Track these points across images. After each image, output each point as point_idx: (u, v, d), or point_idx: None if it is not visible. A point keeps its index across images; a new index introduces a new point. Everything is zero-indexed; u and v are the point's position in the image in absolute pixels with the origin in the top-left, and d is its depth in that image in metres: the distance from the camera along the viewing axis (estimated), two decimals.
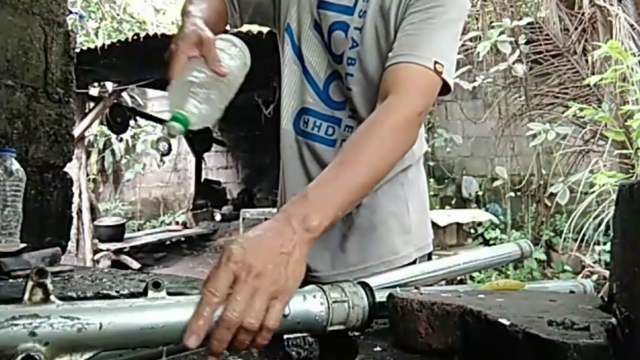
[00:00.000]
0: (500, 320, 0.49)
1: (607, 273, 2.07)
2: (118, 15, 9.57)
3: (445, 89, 0.87)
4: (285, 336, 0.59)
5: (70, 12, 6.40)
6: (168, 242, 7.22)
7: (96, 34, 8.62)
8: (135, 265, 6.04)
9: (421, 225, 1.07)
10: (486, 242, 5.16)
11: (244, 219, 5.09)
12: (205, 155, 8.68)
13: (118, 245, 6.30)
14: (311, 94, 1.00)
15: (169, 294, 0.53)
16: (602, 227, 3.08)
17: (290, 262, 0.58)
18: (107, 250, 6.16)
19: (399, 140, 0.79)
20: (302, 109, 1.02)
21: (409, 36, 0.87)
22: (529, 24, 4.42)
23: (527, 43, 4.44)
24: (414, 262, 1.01)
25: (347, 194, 0.70)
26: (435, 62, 0.83)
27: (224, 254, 0.56)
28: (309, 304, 0.58)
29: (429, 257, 1.07)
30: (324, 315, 0.59)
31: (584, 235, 3.26)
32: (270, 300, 0.54)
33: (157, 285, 0.53)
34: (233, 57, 0.75)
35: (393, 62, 0.85)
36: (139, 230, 8.41)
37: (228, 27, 1.08)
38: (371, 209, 0.99)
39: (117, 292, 0.89)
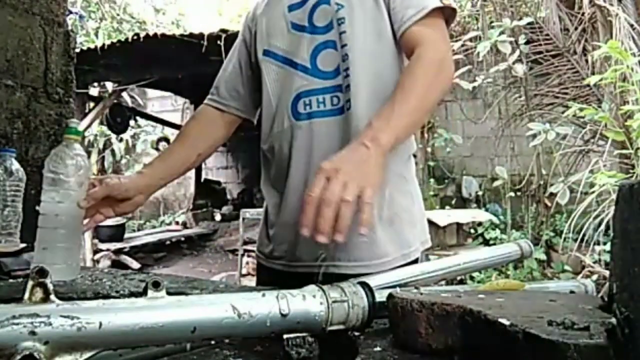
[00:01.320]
0: (500, 320, 0.49)
1: (607, 273, 2.07)
2: (118, 15, 9.57)
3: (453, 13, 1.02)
4: (285, 336, 0.59)
5: (70, 12, 6.40)
6: (168, 242, 7.22)
7: (96, 34, 8.62)
8: (135, 265, 6.04)
9: (422, 219, 1.11)
10: (486, 242, 5.16)
11: (244, 219, 5.06)
12: None
13: (118, 245, 6.30)
14: (303, 77, 1.03)
15: (169, 293, 0.53)
16: (602, 227, 3.07)
17: (370, 166, 0.76)
18: (107, 250, 6.16)
19: (436, 74, 0.91)
20: (296, 96, 1.03)
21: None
22: (529, 24, 4.41)
23: (527, 43, 4.43)
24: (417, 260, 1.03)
25: (403, 117, 0.85)
26: None
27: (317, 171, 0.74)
28: (308, 303, 0.58)
29: (426, 256, 1.08)
30: (324, 315, 0.59)
31: (584, 235, 3.26)
32: (360, 189, 0.71)
33: (157, 285, 0.53)
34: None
35: (405, 27, 0.98)
36: (139, 230, 8.41)
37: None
38: (387, 202, 1.01)
39: (117, 292, 0.89)
